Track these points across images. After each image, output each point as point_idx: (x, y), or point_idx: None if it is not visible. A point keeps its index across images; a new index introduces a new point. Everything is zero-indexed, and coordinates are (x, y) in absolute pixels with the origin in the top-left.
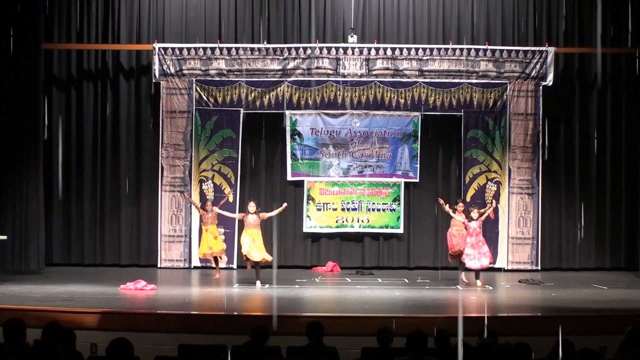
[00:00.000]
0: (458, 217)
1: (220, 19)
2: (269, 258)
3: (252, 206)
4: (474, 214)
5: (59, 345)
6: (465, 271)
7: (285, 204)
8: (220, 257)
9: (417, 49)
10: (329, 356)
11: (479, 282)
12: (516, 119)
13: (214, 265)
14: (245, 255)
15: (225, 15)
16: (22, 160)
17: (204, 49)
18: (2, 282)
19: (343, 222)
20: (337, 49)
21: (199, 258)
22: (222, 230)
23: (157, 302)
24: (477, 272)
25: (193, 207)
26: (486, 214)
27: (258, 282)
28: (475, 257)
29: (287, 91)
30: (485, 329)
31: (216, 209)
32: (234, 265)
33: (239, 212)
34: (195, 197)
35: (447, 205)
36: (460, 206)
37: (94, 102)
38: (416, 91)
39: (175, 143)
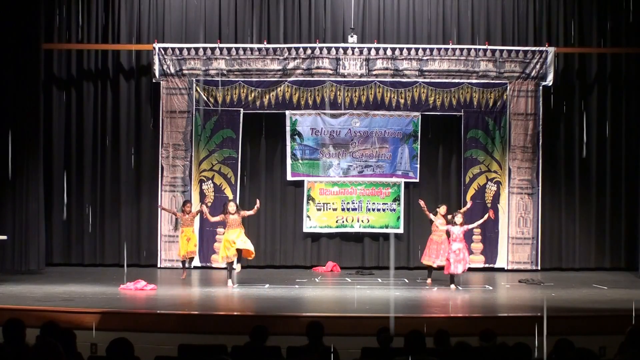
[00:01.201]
0: (441, 227)
1: (220, 19)
2: (249, 248)
3: (232, 206)
4: (458, 218)
5: (59, 345)
6: (431, 276)
7: (258, 202)
8: (191, 259)
9: (417, 49)
10: (329, 356)
11: (452, 287)
12: (516, 119)
13: (184, 265)
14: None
15: (225, 15)
16: (22, 160)
17: (204, 49)
18: (2, 282)
19: (343, 222)
20: (337, 49)
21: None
22: (223, 230)
23: (157, 302)
24: (451, 277)
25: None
26: (474, 225)
27: (230, 282)
28: (455, 263)
29: (287, 91)
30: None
31: (205, 209)
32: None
33: (219, 215)
34: (195, 197)
35: (426, 208)
36: (442, 209)
37: (94, 102)
38: (416, 91)
39: (175, 143)
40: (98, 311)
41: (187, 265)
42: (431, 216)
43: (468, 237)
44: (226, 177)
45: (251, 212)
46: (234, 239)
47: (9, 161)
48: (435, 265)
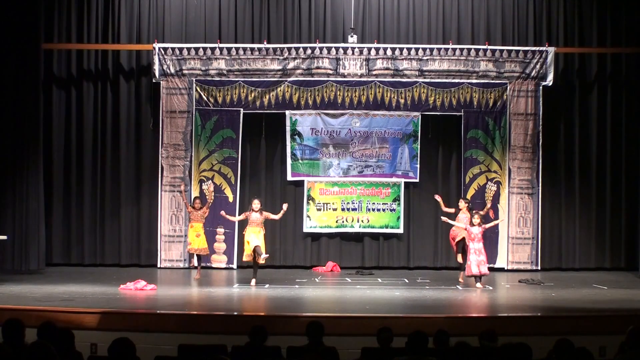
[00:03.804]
0: (459, 224)
1: (220, 19)
2: (262, 259)
3: (256, 204)
4: (475, 219)
5: (52, 347)
6: (463, 271)
7: (286, 205)
8: (200, 257)
9: (417, 49)
10: (329, 356)
11: (478, 285)
12: (516, 119)
13: (195, 264)
14: (254, 251)
15: (225, 15)
16: (22, 160)
17: (204, 49)
18: (2, 282)
19: (343, 222)
20: (337, 49)
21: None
22: (222, 230)
23: (157, 302)
24: (475, 277)
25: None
26: (490, 225)
27: (253, 281)
28: (476, 263)
29: (287, 91)
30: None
31: (223, 214)
32: (234, 265)
33: (243, 213)
34: None
35: (444, 204)
36: (462, 203)
37: (94, 102)
38: (416, 91)
39: (175, 143)
40: (98, 311)
41: (197, 263)
42: (449, 221)
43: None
44: (226, 177)
45: (275, 217)
46: (249, 239)
47: (10, 161)
48: (459, 239)
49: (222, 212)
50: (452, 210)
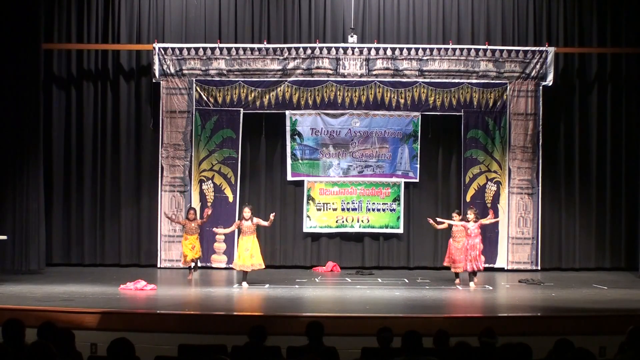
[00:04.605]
0: (456, 222)
1: (220, 19)
2: (258, 267)
3: (247, 212)
4: (470, 215)
5: (52, 346)
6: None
7: (273, 214)
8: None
9: (417, 49)
10: (329, 356)
11: (472, 284)
12: (516, 119)
13: (192, 266)
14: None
15: (225, 15)
16: (22, 160)
17: (204, 49)
18: (2, 282)
19: (343, 222)
20: (337, 49)
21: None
22: (223, 230)
23: (157, 302)
24: (469, 274)
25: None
26: (486, 222)
27: (244, 283)
28: (471, 258)
29: (287, 91)
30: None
31: (217, 230)
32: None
33: (234, 223)
34: (195, 197)
35: (436, 223)
36: (455, 217)
37: (94, 102)
38: (416, 91)
39: (175, 143)
40: (98, 311)
41: (192, 267)
42: (447, 222)
43: None
44: (226, 177)
45: (265, 224)
46: (247, 247)
47: (10, 161)
48: (456, 270)
49: (214, 229)
50: (445, 223)
